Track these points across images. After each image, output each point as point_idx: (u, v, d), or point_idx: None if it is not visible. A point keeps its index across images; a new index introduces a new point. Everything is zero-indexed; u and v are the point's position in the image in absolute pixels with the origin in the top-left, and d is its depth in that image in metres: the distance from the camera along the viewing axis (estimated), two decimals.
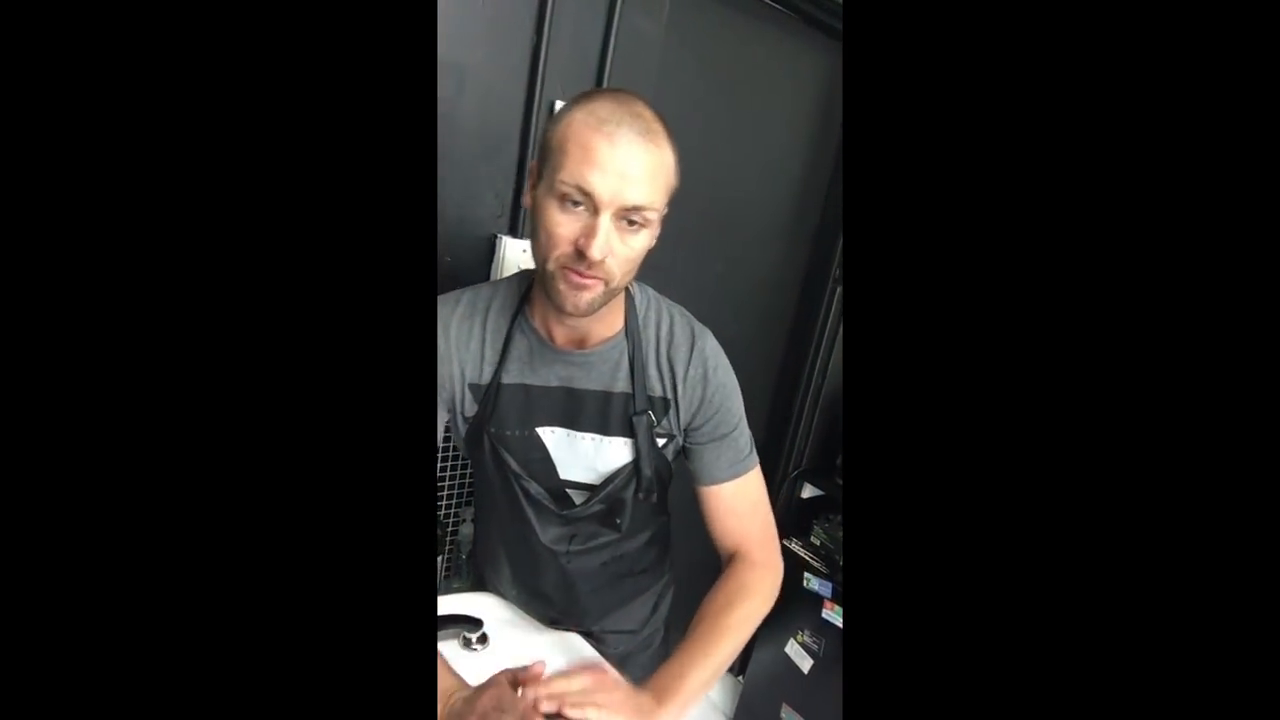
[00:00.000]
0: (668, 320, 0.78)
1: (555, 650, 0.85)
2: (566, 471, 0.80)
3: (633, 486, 0.80)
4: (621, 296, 0.75)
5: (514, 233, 1.15)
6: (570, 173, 0.60)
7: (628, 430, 0.77)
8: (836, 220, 1.61)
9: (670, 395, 0.77)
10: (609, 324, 0.75)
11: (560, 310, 0.66)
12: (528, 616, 0.92)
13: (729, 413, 0.78)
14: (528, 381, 0.76)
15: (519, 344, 0.76)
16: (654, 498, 0.82)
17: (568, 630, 0.90)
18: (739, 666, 1.88)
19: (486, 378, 0.76)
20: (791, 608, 1.60)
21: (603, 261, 0.62)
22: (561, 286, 0.64)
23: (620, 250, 0.63)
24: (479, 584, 1.00)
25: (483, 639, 0.83)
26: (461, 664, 0.70)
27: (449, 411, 0.79)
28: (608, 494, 0.80)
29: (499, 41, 1.04)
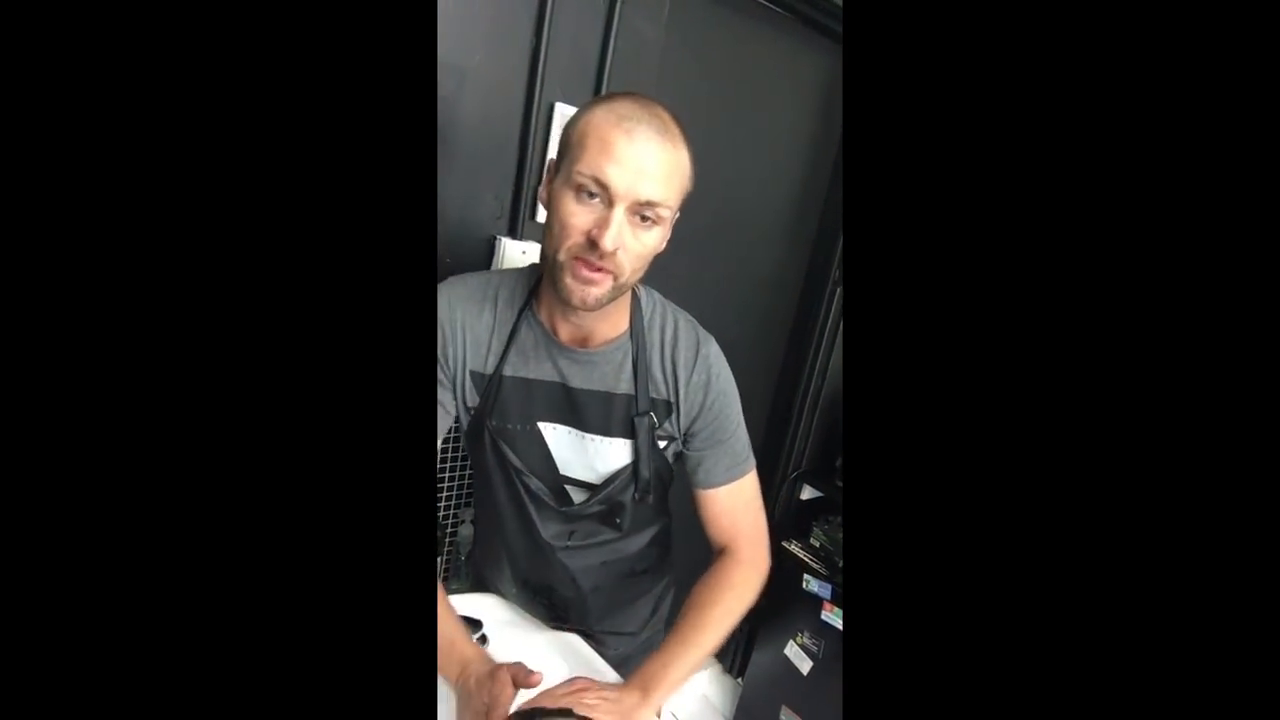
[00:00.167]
0: (672, 324, 0.78)
1: (555, 650, 0.85)
2: (566, 469, 0.80)
3: (632, 488, 0.80)
4: (628, 298, 0.76)
5: (513, 234, 1.15)
6: (588, 164, 0.61)
7: (629, 431, 0.77)
8: (836, 222, 1.62)
9: (673, 399, 0.78)
10: (614, 324, 0.75)
11: (567, 304, 0.67)
12: (528, 616, 0.92)
13: (728, 419, 0.80)
14: (530, 376, 0.76)
15: (524, 337, 0.76)
16: (651, 499, 0.83)
17: (568, 631, 0.90)
18: (738, 668, 1.88)
19: (490, 367, 0.76)
20: (790, 609, 1.60)
21: (614, 254, 0.63)
22: (570, 280, 0.65)
23: (632, 245, 0.64)
24: (478, 585, 1.00)
25: (483, 640, 0.83)
26: None
27: (453, 398, 0.79)
28: (607, 494, 0.80)
29: (499, 43, 1.04)
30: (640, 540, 0.89)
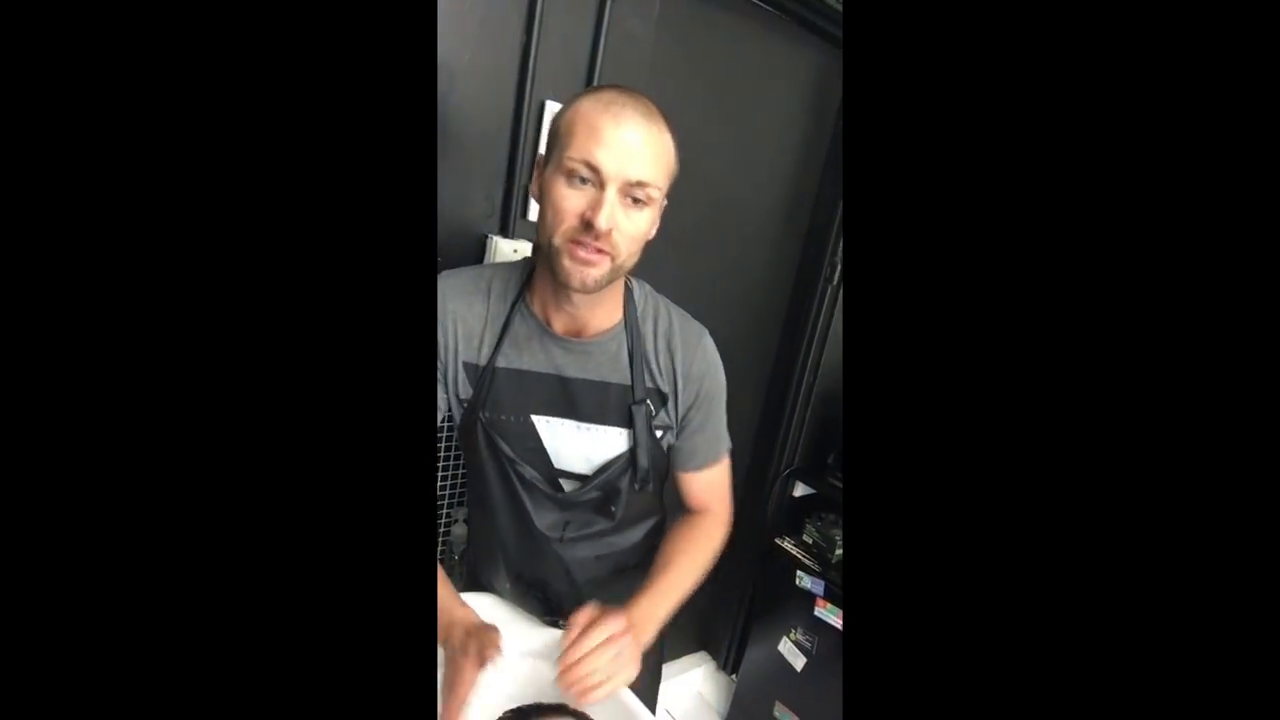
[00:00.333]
0: (665, 315, 0.80)
1: (550, 647, 0.85)
2: (560, 461, 0.81)
3: (628, 475, 0.81)
4: (620, 289, 0.76)
5: (505, 233, 1.15)
6: (578, 149, 0.63)
7: (625, 420, 0.78)
8: (828, 219, 1.62)
9: (669, 388, 0.79)
10: (608, 313, 0.76)
11: (566, 286, 0.68)
12: (523, 614, 0.92)
13: (718, 406, 0.83)
14: (523, 367, 0.77)
15: (517, 329, 0.76)
16: (650, 487, 0.84)
17: (563, 627, 0.90)
18: (732, 665, 1.88)
19: (484, 359, 0.77)
20: (784, 606, 1.60)
21: (609, 234, 0.64)
22: (567, 262, 0.66)
23: (625, 226, 0.65)
24: (472, 585, 0.99)
25: None
26: None
27: (445, 390, 0.79)
28: (604, 480, 0.81)
29: (489, 41, 1.04)
30: (635, 534, 0.90)
